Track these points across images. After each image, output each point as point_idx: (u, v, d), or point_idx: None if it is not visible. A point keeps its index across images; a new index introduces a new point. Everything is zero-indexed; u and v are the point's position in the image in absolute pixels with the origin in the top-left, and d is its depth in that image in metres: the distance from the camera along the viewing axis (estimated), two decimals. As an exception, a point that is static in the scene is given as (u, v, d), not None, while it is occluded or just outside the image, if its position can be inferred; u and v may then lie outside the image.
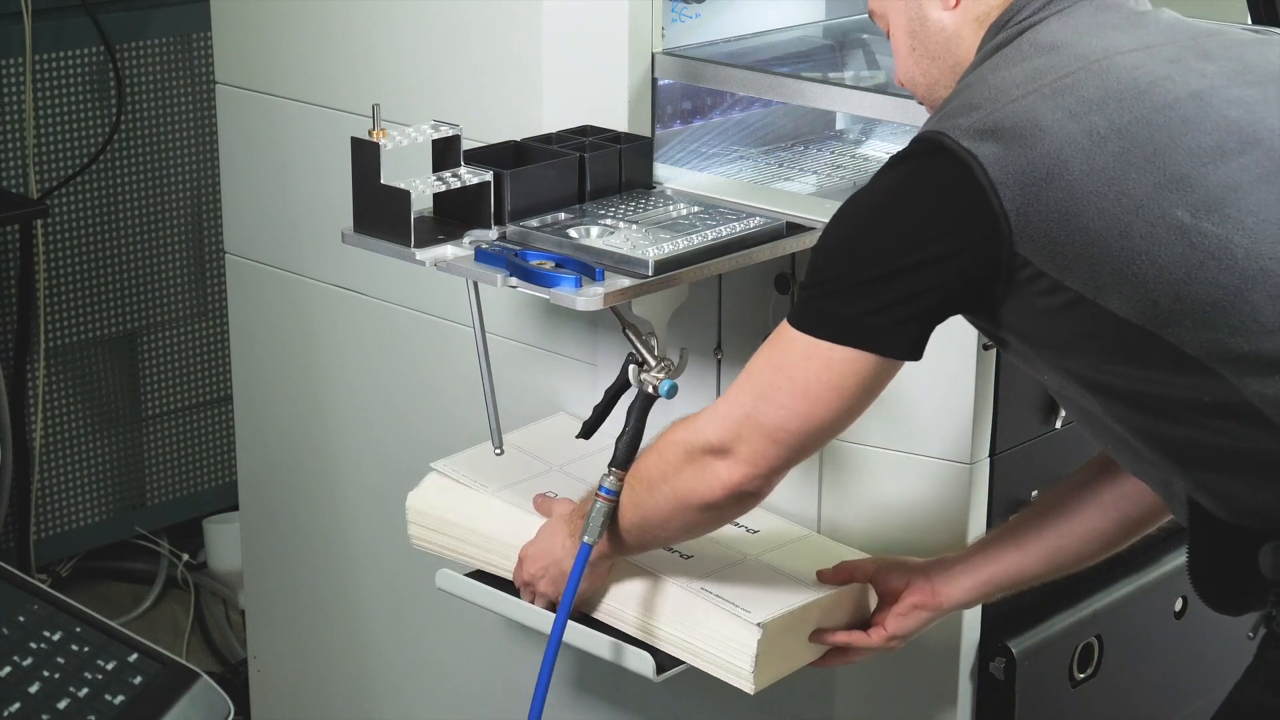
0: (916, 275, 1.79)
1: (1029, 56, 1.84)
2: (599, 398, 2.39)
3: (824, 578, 2.19)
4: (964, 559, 2.15)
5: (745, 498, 1.97)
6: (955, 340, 2.15)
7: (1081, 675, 2.35)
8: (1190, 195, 1.73)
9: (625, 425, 2.10)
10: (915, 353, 1.85)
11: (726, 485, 1.95)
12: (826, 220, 2.20)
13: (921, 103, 2.00)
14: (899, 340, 1.83)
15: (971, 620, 2.23)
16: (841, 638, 2.17)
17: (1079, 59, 1.81)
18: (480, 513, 2.32)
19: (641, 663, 2.16)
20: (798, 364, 1.87)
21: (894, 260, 1.80)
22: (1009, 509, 2.27)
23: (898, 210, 1.82)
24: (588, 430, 2.23)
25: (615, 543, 2.11)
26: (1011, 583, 2.15)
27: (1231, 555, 1.82)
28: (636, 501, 2.06)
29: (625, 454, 2.09)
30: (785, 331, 1.88)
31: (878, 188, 1.85)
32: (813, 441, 1.93)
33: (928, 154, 1.79)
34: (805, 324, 1.85)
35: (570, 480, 2.35)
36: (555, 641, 2.11)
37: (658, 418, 2.12)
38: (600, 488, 2.07)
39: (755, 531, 2.27)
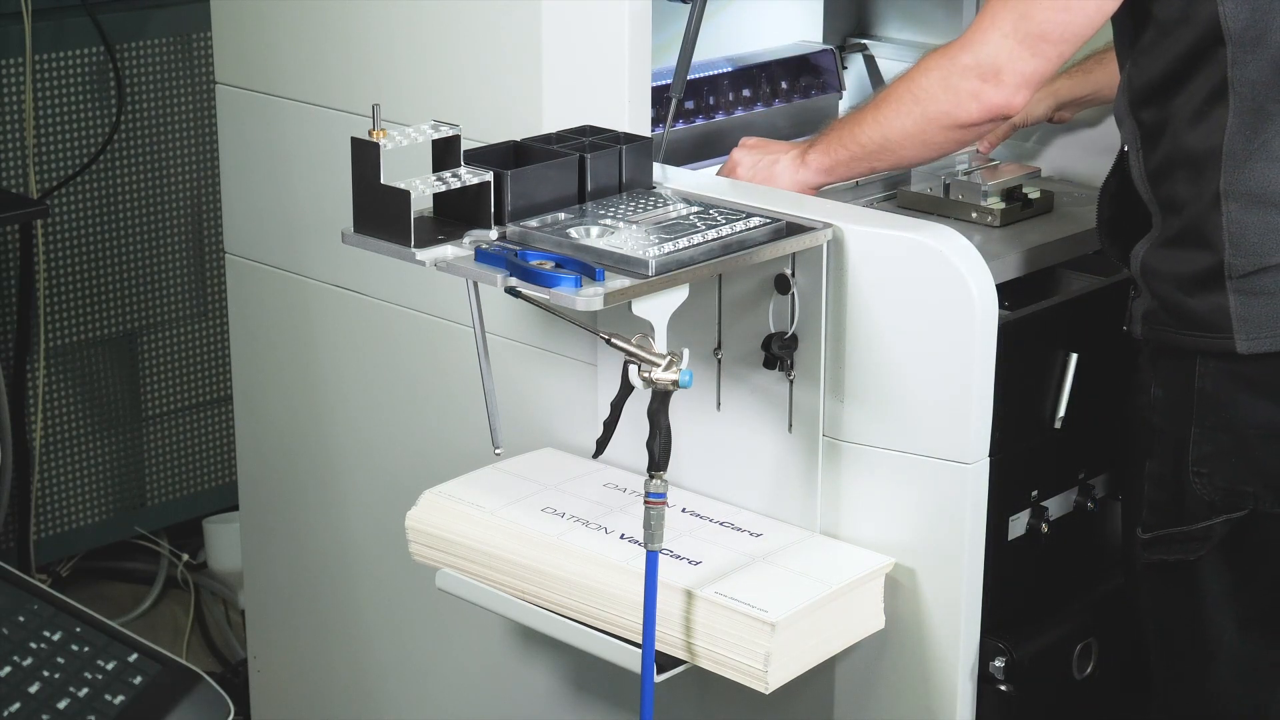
0: None
1: None
2: (599, 398, 2.39)
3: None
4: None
5: (1001, 119, 2.19)
6: (956, 339, 2.15)
7: (1081, 675, 2.35)
8: None
9: (653, 428, 2.10)
10: None
11: (988, 106, 2.15)
12: (827, 220, 2.22)
13: None
14: None
15: (971, 620, 2.23)
16: None
17: None
18: (482, 534, 2.32)
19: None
20: None
21: None
22: (1009, 509, 2.28)
23: None
24: (601, 445, 2.23)
25: (832, 169, 2.33)
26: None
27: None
28: (880, 120, 2.24)
29: (661, 456, 2.11)
30: None
31: None
32: (1071, 50, 2.14)
33: None
34: None
35: (569, 497, 2.35)
36: (649, 666, 2.15)
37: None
38: (647, 494, 2.10)
39: (758, 535, 2.27)
